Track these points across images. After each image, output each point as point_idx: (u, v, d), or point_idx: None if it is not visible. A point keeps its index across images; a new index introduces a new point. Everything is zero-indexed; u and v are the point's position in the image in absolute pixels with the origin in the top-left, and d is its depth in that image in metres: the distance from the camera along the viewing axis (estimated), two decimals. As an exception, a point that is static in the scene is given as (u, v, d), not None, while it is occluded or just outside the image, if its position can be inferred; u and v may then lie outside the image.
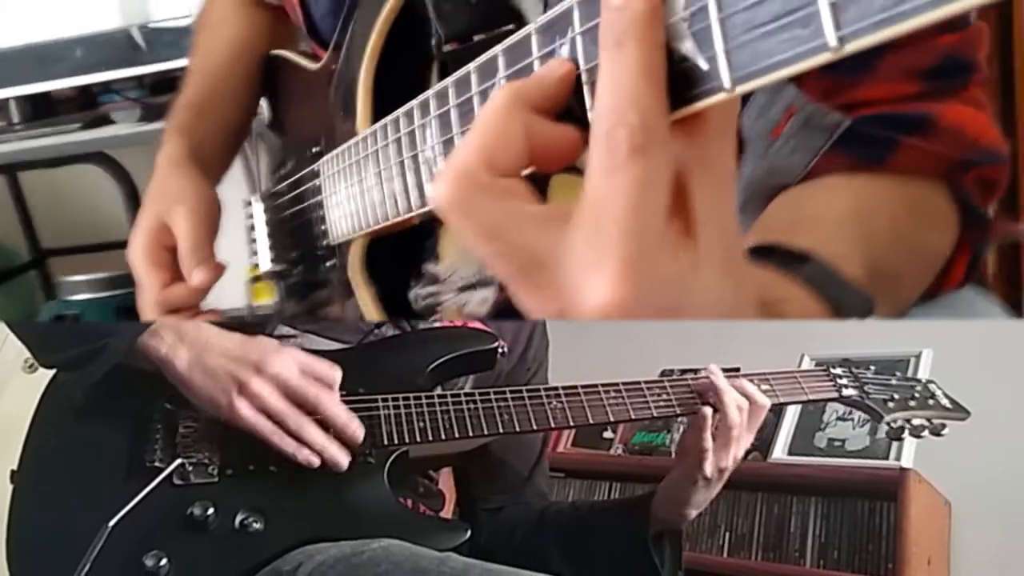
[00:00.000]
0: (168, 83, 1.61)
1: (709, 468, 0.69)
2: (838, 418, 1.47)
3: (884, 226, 0.48)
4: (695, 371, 1.99)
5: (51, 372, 0.70)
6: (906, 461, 1.32)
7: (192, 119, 0.72)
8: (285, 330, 0.70)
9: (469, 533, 0.63)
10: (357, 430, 0.62)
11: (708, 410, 0.70)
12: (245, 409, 0.60)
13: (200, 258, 0.64)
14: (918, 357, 1.43)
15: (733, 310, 0.32)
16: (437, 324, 0.72)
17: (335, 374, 0.62)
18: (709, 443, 0.69)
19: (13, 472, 0.65)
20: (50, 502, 0.63)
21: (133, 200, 1.56)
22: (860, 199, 0.48)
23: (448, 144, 0.41)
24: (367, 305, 0.53)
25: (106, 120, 1.60)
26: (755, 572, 1.42)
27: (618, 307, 0.29)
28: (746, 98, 0.31)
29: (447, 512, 0.81)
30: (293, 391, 0.60)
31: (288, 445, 0.61)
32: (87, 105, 1.72)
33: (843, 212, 0.49)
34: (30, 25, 1.60)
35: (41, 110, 1.69)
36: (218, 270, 0.64)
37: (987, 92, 0.51)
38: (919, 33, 0.23)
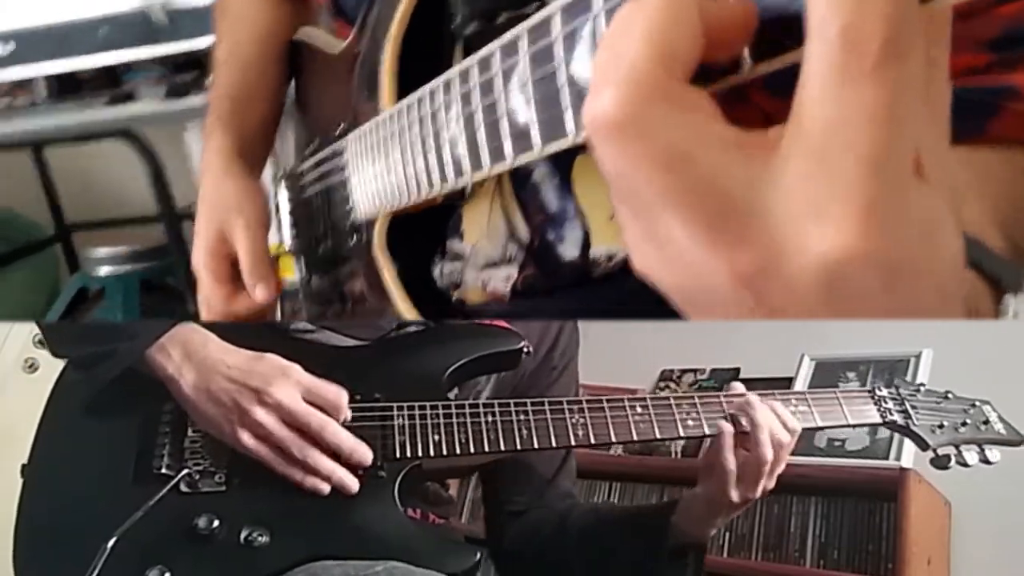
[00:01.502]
0: (190, 62, 1.62)
1: (735, 494, 0.66)
2: (838, 418, 1.48)
3: (1005, 196, 0.45)
4: (695, 371, 1.99)
5: (53, 373, 0.70)
6: (906, 461, 1.32)
7: (233, 111, 0.72)
8: (303, 326, 0.70)
9: (478, 556, 0.62)
10: (364, 455, 0.61)
11: (728, 427, 0.67)
12: (248, 439, 0.60)
13: (260, 275, 0.65)
14: (918, 357, 1.44)
15: (961, 267, 0.26)
16: (460, 321, 0.69)
17: (340, 400, 0.61)
18: (732, 464, 0.66)
19: (24, 466, 0.65)
20: (58, 501, 0.62)
21: (157, 175, 1.57)
22: (973, 170, 0.46)
23: (470, 123, 0.42)
24: (390, 281, 0.54)
25: (130, 97, 1.62)
26: (755, 572, 1.42)
27: (857, 260, 0.23)
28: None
29: (456, 518, 0.80)
30: (296, 419, 0.60)
31: (295, 471, 0.60)
32: (112, 83, 1.74)
33: (964, 184, 0.43)
34: (54, 6, 1.61)
35: (67, 88, 1.71)
36: (278, 287, 0.65)
37: None
38: (980, 4, 0.22)
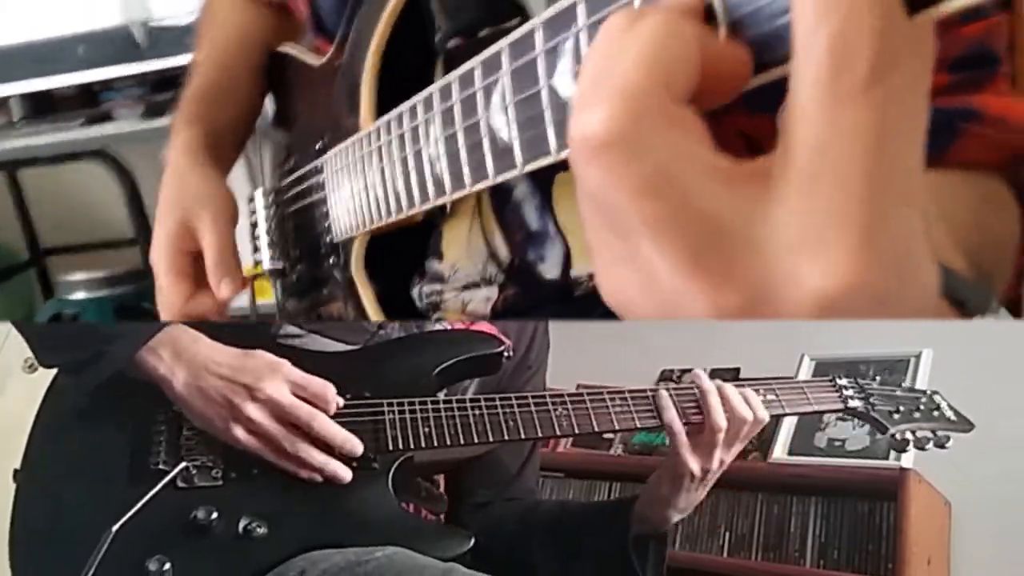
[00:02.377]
0: (169, 81, 1.62)
1: (690, 460, 0.67)
2: (838, 418, 1.47)
3: (967, 219, 0.44)
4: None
5: (52, 371, 0.70)
6: (906, 461, 1.32)
7: (203, 109, 0.71)
8: (291, 330, 0.70)
9: (473, 541, 0.63)
10: (355, 447, 0.62)
11: (665, 387, 0.69)
12: (241, 433, 0.60)
13: (226, 270, 0.63)
14: (918, 357, 1.43)
15: (936, 292, 0.25)
16: (443, 327, 0.71)
17: (328, 393, 0.62)
18: (678, 424, 0.67)
19: (16, 471, 0.65)
20: (53, 503, 0.63)
21: (134, 197, 1.56)
22: (935, 192, 0.45)
23: (451, 140, 0.41)
24: (369, 303, 0.53)
25: (107, 117, 1.61)
26: (755, 572, 1.42)
27: (851, 293, 0.22)
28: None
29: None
30: (286, 413, 0.60)
31: (288, 464, 0.61)
32: (88, 103, 1.72)
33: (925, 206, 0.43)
34: (31, 23, 1.60)
35: (42, 107, 1.69)
36: (244, 282, 0.64)
37: (1008, 84, 0.50)
38: (944, 23, 0.21)
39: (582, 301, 0.53)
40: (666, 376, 1.76)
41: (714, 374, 1.69)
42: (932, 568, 1.29)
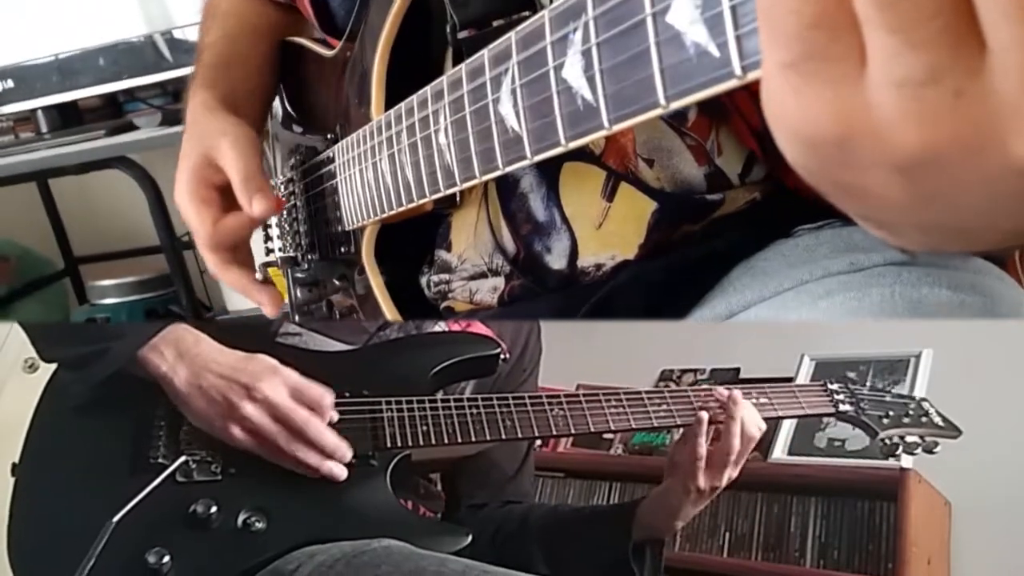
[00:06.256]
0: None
1: (703, 480, 0.70)
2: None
3: None
4: (695, 371, 1.97)
5: (52, 371, 0.70)
6: (906, 461, 1.32)
7: (218, 75, 0.71)
8: (290, 328, 0.71)
9: (470, 538, 0.64)
10: (344, 454, 0.62)
11: (704, 415, 0.71)
12: (237, 432, 0.61)
13: (255, 187, 0.60)
14: (918, 357, 1.43)
15: None
16: (440, 328, 0.73)
17: (325, 399, 0.62)
18: (703, 451, 0.70)
19: (14, 465, 0.65)
20: (52, 497, 0.63)
21: (158, 201, 1.59)
22: None
23: (461, 130, 0.41)
24: (379, 291, 0.54)
25: (131, 126, 1.63)
26: (755, 572, 1.42)
27: None
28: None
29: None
30: (282, 416, 0.61)
31: (285, 462, 0.62)
32: (113, 114, 1.75)
33: None
34: (56, 37, 1.62)
35: (69, 119, 1.72)
36: (278, 202, 0.61)
37: None
38: None
39: (589, 291, 0.53)
40: (666, 376, 1.76)
41: (714, 374, 1.70)
42: (932, 568, 1.29)
